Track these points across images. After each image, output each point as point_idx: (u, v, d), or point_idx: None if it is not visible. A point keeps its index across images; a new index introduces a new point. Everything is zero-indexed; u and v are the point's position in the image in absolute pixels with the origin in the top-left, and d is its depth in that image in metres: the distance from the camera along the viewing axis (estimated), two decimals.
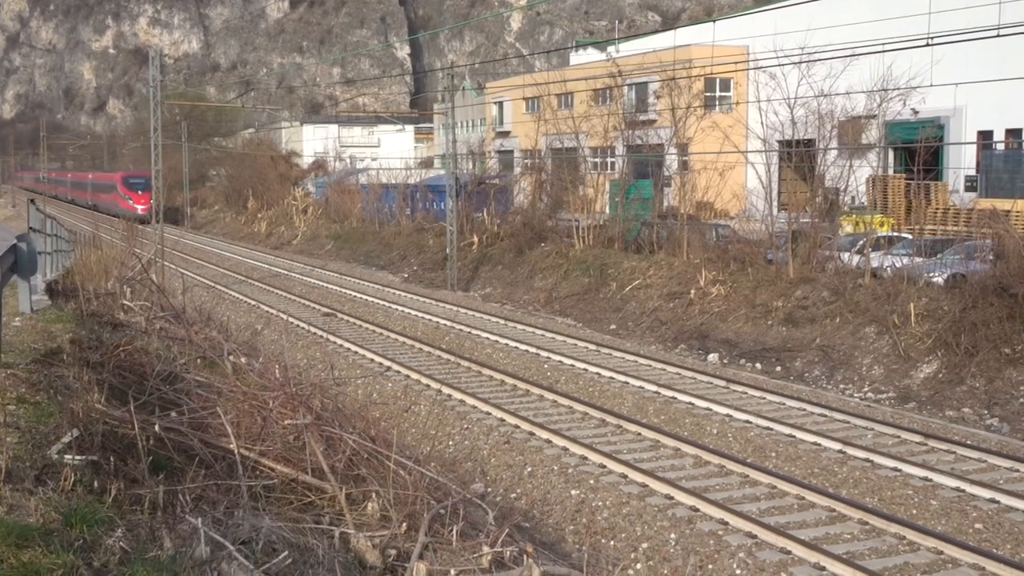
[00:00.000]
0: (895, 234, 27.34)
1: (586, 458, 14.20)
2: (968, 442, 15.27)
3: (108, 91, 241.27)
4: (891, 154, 38.53)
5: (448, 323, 26.68)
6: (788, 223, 26.59)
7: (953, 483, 13.05)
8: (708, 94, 43.96)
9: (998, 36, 21.20)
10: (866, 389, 19.70)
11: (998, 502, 12.43)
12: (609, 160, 41.48)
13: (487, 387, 19.00)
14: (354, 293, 33.46)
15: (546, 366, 21.18)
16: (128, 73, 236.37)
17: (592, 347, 23.35)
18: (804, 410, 17.28)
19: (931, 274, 22.21)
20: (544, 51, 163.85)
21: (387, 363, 21.03)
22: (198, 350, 14.23)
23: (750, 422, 16.31)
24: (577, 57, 67.92)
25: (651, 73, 39.85)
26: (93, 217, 62.66)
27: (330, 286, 35.63)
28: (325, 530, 7.38)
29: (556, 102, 47.34)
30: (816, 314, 22.87)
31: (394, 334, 24.89)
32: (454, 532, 8.03)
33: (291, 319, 26.98)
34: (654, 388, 18.68)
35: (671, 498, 12.48)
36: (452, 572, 7.27)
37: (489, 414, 16.81)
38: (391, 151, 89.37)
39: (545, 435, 15.33)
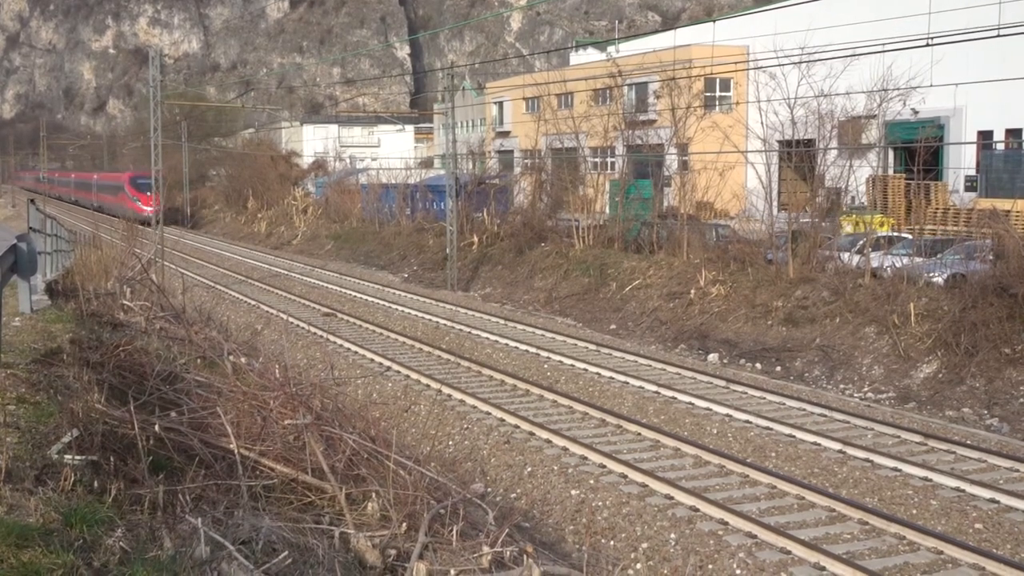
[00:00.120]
0: (895, 234, 27.33)
1: (586, 458, 14.20)
2: (968, 442, 15.27)
3: (108, 91, 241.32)
4: (891, 154, 38.54)
5: (448, 323, 26.69)
6: (788, 223, 26.59)
7: (953, 483, 13.05)
8: (708, 94, 43.96)
9: (998, 36, 21.21)
10: (866, 389, 19.70)
11: (998, 502, 12.43)
12: (609, 160, 41.47)
13: (487, 387, 19.00)
14: (354, 293, 33.46)
15: (546, 366, 21.18)
16: (128, 73, 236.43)
17: (592, 347, 23.35)
18: (804, 410, 17.28)
19: (931, 274, 22.20)
20: (544, 51, 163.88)
21: (387, 363, 21.03)
22: (198, 350, 14.23)
23: (750, 422, 16.31)
24: (577, 57, 67.92)
25: (651, 73, 39.86)
26: (93, 217, 62.56)
27: (330, 286, 35.62)
28: (325, 530, 7.37)
29: (556, 102, 47.31)
30: (816, 314, 22.87)
31: (394, 334, 24.89)
32: (454, 532, 8.02)
33: (291, 319, 26.98)
34: (654, 388, 18.68)
35: (671, 498, 12.49)
36: (452, 572, 7.27)
37: (489, 414, 16.81)
38: (391, 151, 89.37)
39: (545, 435, 15.33)
